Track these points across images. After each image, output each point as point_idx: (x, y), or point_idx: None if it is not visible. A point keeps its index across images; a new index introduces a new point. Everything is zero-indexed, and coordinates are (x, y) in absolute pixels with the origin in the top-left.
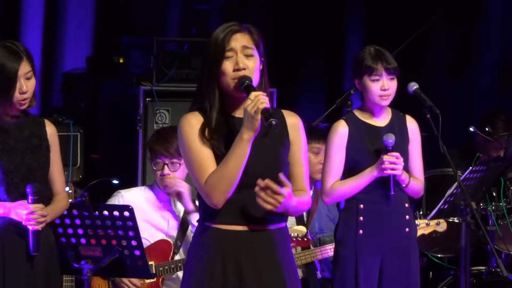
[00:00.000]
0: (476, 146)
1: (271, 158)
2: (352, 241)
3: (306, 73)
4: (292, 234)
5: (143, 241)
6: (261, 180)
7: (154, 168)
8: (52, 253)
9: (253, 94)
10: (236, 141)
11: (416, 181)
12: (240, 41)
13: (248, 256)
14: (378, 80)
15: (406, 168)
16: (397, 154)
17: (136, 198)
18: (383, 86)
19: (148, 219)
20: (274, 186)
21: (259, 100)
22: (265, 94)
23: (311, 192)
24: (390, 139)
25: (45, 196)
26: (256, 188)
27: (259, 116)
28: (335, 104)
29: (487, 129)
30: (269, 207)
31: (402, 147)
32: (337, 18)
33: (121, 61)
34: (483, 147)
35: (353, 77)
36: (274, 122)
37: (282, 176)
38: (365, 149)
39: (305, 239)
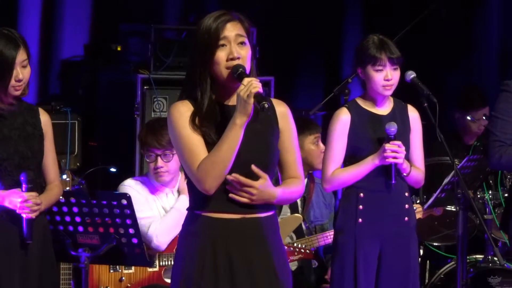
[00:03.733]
0: (461, 132)
1: (261, 145)
2: (351, 229)
3: (304, 61)
4: (297, 245)
5: None
6: (232, 176)
7: (148, 161)
8: (47, 241)
9: (246, 80)
10: (229, 126)
11: (417, 170)
12: (233, 30)
13: (238, 243)
14: (381, 70)
15: (407, 157)
16: (399, 142)
17: (138, 188)
18: (386, 76)
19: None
20: (242, 179)
21: (252, 85)
22: (257, 80)
23: (306, 180)
24: (393, 127)
25: (38, 184)
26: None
27: (251, 100)
28: (332, 93)
29: (468, 118)
30: (243, 200)
31: (403, 136)
32: (336, 6)
33: (119, 48)
34: (466, 131)
35: (356, 66)
36: (266, 105)
37: (254, 168)
38: (367, 137)
39: (308, 251)
